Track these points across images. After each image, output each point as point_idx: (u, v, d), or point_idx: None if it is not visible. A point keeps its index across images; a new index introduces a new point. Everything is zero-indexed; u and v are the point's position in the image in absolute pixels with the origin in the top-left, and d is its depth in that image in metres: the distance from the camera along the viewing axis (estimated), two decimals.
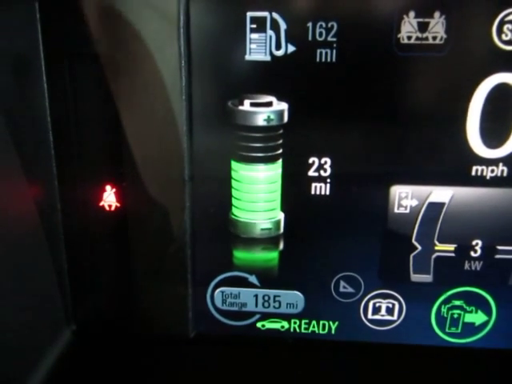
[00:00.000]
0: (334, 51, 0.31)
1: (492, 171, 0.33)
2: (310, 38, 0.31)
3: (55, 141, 0.34)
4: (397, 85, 0.32)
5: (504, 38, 0.30)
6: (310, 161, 0.34)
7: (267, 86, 0.32)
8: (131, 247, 0.36)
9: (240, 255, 0.37)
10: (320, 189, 0.34)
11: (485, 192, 0.33)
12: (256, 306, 0.38)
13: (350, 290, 0.37)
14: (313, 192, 0.34)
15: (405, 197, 0.34)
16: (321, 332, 0.38)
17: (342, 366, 0.37)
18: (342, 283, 0.37)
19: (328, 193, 0.34)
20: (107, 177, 0.35)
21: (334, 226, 0.35)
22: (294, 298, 0.37)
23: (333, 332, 0.38)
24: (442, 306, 0.37)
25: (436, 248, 0.35)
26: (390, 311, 0.37)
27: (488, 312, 0.36)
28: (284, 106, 0.33)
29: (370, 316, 0.37)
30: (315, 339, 0.38)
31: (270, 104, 0.32)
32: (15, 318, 0.33)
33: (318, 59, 0.31)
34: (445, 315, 0.37)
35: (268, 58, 0.31)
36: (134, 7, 0.31)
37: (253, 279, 0.37)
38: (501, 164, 0.33)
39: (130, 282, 0.37)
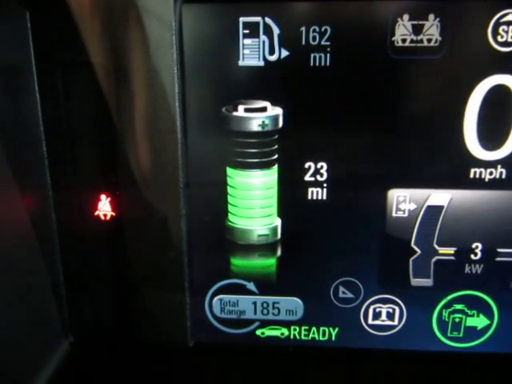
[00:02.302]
0: (328, 55, 0.31)
1: (490, 173, 0.33)
2: (303, 43, 0.31)
3: (49, 151, 0.34)
4: (392, 88, 0.31)
5: (499, 39, 0.30)
6: (306, 166, 0.33)
7: (261, 92, 0.32)
8: (127, 256, 0.36)
9: (237, 262, 0.36)
10: (317, 194, 0.34)
11: (484, 194, 0.33)
12: (255, 313, 0.37)
13: (350, 295, 0.36)
14: (309, 197, 0.34)
15: (403, 200, 0.34)
16: (321, 338, 0.38)
17: (342, 372, 0.37)
18: (342, 289, 0.36)
19: (325, 198, 0.34)
20: (102, 186, 0.35)
21: (331, 231, 0.35)
22: (293, 305, 0.37)
23: (333, 338, 0.38)
24: (443, 310, 0.36)
25: (436, 252, 0.35)
26: (390, 316, 0.37)
27: (490, 316, 0.36)
28: (279, 111, 0.32)
29: (370, 321, 0.37)
30: (315, 346, 0.38)
31: (264, 109, 0.32)
32: (11, 330, 0.32)
33: (311, 63, 0.31)
34: (446, 319, 0.36)
35: (261, 63, 0.31)
36: (126, 15, 0.31)
37: (251, 286, 0.37)
38: (499, 166, 0.32)
39: (127, 291, 0.37)
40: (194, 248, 0.36)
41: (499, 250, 0.34)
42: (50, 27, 0.31)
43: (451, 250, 0.35)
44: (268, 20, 0.31)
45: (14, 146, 0.32)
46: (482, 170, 0.33)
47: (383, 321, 0.37)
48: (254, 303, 0.37)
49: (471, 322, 0.36)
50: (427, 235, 0.34)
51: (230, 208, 0.35)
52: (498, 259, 0.35)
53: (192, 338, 0.38)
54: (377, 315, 0.37)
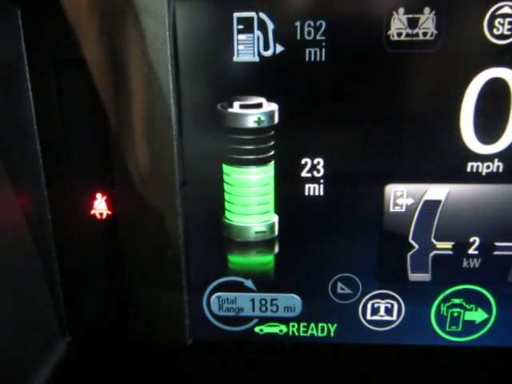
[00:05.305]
0: (324, 50, 0.31)
1: (487, 167, 0.33)
2: (298, 38, 0.30)
3: (43, 150, 0.34)
4: (388, 83, 0.31)
5: (495, 32, 0.30)
6: (303, 162, 0.33)
7: (256, 88, 0.32)
8: (124, 255, 0.35)
9: (235, 260, 0.36)
10: (314, 190, 0.34)
11: (481, 188, 0.33)
12: (253, 310, 0.37)
13: (348, 291, 0.36)
14: (306, 193, 0.34)
15: (400, 195, 0.34)
16: (320, 335, 0.38)
17: (342, 368, 0.37)
18: (340, 285, 0.36)
19: (322, 193, 0.34)
20: (97, 184, 0.35)
21: (329, 226, 0.35)
22: (291, 301, 0.37)
23: (332, 334, 0.38)
24: (442, 305, 0.36)
25: (433, 246, 0.35)
26: (389, 312, 0.37)
27: (488, 310, 0.36)
28: (274, 106, 0.32)
29: (368, 317, 0.37)
30: (314, 342, 0.38)
31: (259, 105, 0.32)
32: (8, 330, 0.32)
33: (307, 59, 0.31)
34: (445, 314, 0.36)
35: (256, 58, 0.31)
36: (120, 12, 0.30)
37: (249, 283, 0.37)
38: (496, 160, 0.32)
39: (124, 290, 0.36)
40: (191, 246, 0.36)
41: (497, 243, 0.34)
42: (42, 24, 0.31)
43: (449, 245, 0.35)
44: (262, 15, 0.30)
45: (8, 145, 0.32)
46: (479, 163, 0.32)
47: (382, 316, 0.37)
48: (252, 300, 0.37)
49: (469, 316, 0.36)
50: (425, 230, 0.34)
51: (226, 205, 0.35)
52: (496, 253, 0.35)
53: (190, 336, 0.38)
54: (375, 311, 0.37)
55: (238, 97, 0.32)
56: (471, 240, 0.34)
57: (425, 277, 0.36)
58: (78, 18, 0.31)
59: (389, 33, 0.30)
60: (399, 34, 0.30)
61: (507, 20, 0.29)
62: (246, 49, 0.31)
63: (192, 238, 0.35)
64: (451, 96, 0.31)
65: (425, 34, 0.30)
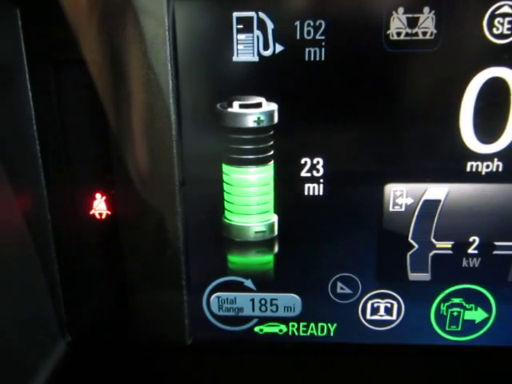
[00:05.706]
0: (323, 50, 0.31)
1: (487, 167, 0.33)
2: (297, 37, 0.30)
3: (42, 150, 0.34)
4: (387, 82, 0.31)
5: (495, 31, 0.30)
6: (302, 161, 0.33)
7: (256, 87, 0.32)
8: (124, 255, 0.35)
9: (235, 259, 0.36)
10: (313, 189, 0.34)
11: (480, 188, 0.33)
12: (253, 310, 0.37)
13: (348, 291, 0.36)
14: (306, 193, 0.34)
15: (400, 195, 0.34)
16: (319, 334, 0.38)
17: (342, 368, 0.37)
18: (340, 284, 0.36)
19: (321, 193, 0.34)
20: (97, 184, 0.34)
21: (328, 226, 0.35)
22: (291, 301, 0.37)
23: (332, 334, 0.38)
24: (442, 305, 0.36)
25: (433, 246, 0.35)
26: (388, 311, 0.37)
27: (488, 309, 0.36)
28: (274, 106, 0.32)
29: (368, 317, 0.37)
30: (314, 342, 0.38)
31: (259, 105, 0.32)
32: (8, 331, 0.32)
33: (306, 58, 0.31)
34: (444, 313, 0.36)
35: (256, 58, 0.31)
36: (119, 12, 0.30)
37: (249, 283, 0.37)
38: (496, 159, 0.32)
39: (124, 290, 0.36)
40: (190, 246, 0.36)
41: (496, 243, 0.34)
42: (41, 25, 0.31)
43: (449, 244, 0.35)
44: (262, 15, 0.30)
45: (8, 145, 0.32)
46: (479, 163, 0.32)
47: (381, 316, 0.37)
48: (252, 300, 0.37)
49: (469, 315, 0.36)
50: (424, 229, 0.34)
51: (226, 205, 0.35)
52: (496, 252, 0.35)
53: (190, 336, 0.38)
54: (375, 310, 0.37)
55: (237, 96, 0.32)
56: (471, 239, 0.34)
57: (424, 276, 0.36)
58: (78, 18, 0.31)
59: (388, 32, 0.30)
60: (399, 34, 0.30)
61: (507, 19, 0.30)
62: (246, 48, 0.31)
63: (192, 237, 0.35)
64: (451, 95, 0.31)
65: (424, 33, 0.30)
